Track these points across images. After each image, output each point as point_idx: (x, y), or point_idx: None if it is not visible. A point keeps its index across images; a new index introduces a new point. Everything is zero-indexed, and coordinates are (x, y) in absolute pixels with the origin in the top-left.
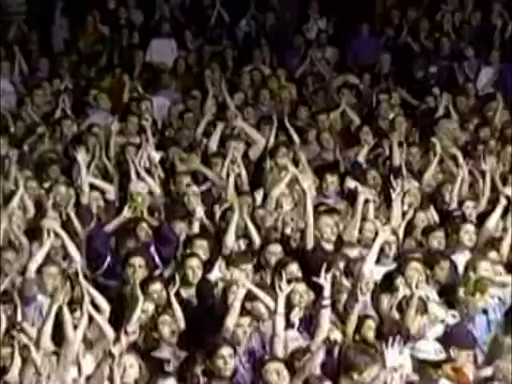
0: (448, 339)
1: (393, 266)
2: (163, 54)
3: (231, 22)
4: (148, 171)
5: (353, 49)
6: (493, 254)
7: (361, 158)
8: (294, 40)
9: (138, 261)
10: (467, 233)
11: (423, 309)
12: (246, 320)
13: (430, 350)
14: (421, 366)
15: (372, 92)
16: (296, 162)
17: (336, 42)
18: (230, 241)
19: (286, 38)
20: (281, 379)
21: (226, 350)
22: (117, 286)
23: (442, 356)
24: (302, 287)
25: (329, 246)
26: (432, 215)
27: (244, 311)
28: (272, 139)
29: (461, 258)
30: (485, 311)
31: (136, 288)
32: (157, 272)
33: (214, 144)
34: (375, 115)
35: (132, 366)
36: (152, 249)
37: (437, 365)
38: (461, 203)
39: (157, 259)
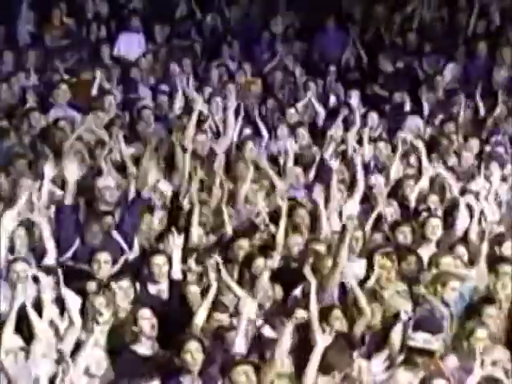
0: (417, 327)
1: (361, 261)
2: (131, 48)
3: (200, 16)
4: (118, 166)
5: (320, 43)
6: (460, 249)
7: (326, 155)
8: (262, 35)
9: (103, 256)
10: (433, 227)
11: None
12: (224, 316)
13: (419, 338)
14: (408, 353)
15: (340, 86)
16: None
17: (303, 36)
18: (195, 235)
19: (253, 33)
20: (249, 381)
21: (192, 345)
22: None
23: (432, 346)
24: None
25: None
26: (395, 210)
27: (222, 307)
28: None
29: (426, 253)
30: (447, 305)
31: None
32: (122, 259)
33: (188, 138)
34: (343, 110)
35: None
36: (115, 233)
37: (423, 353)
38: (426, 198)
39: (122, 244)
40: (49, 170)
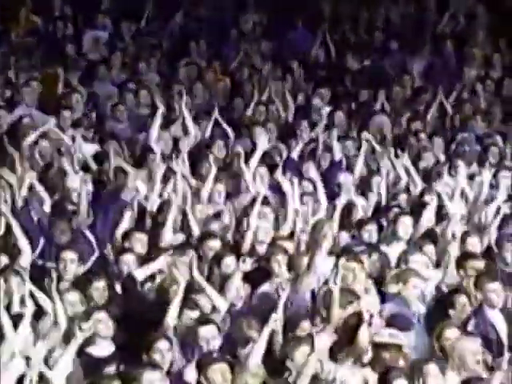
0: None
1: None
2: (98, 46)
3: (168, 14)
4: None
5: (288, 41)
6: (429, 247)
7: (294, 154)
8: (230, 33)
9: (69, 255)
10: (403, 225)
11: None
12: (195, 313)
13: (385, 333)
14: (375, 350)
15: (308, 85)
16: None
17: (271, 34)
18: (168, 234)
19: (222, 31)
20: (224, 380)
21: (163, 344)
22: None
23: (398, 341)
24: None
25: (261, 248)
26: (364, 207)
27: (193, 304)
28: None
29: (395, 250)
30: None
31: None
32: (93, 257)
33: (152, 137)
34: (311, 108)
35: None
36: (88, 232)
37: (390, 348)
38: (395, 195)
39: (93, 242)
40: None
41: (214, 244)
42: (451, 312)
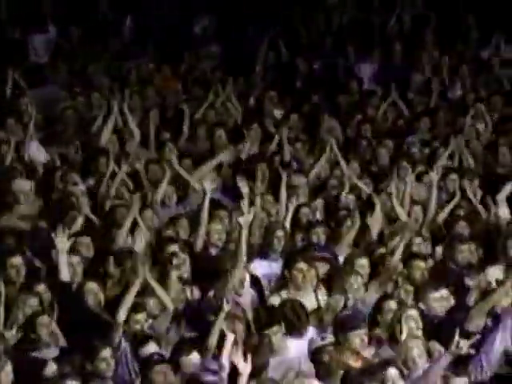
0: (334, 326)
1: (279, 262)
2: (47, 50)
3: (118, 18)
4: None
5: (238, 44)
6: (379, 250)
7: (243, 155)
8: (180, 35)
9: (16, 261)
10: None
11: None
12: (142, 316)
13: (317, 339)
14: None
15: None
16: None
17: (221, 37)
18: (121, 238)
19: (172, 34)
20: (166, 381)
21: (107, 352)
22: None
23: (325, 342)
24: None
25: (214, 251)
26: (318, 210)
27: (140, 308)
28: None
29: (343, 253)
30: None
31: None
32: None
33: (104, 138)
34: (263, 112)
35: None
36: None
37: (322, 350)
38: (345, 197)
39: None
40: None
41: (173, 248)
42: (379, 317)
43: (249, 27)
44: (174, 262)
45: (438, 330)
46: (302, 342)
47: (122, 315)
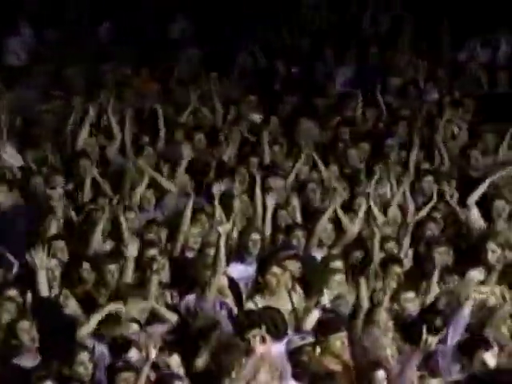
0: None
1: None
2: (22, 53)
3: (95, 20)
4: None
5: (216, 48)
6: (355, 254)
7: (225, 158)
8: (159, 39)
9: None
10: (325, 231)
11: None
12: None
13: (295, 339)
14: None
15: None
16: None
17: (199, 41)
18: (96, 242)
19: (150, 38)
20: None
21: (85, 356)
22: None
23: (306, 341)
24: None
25: (190, 255)
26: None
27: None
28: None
29: (318, 255)
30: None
31: None
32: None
33: (80, 143)
34: (241, 115)
35: None
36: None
37: (301, 350)
38: (323, 201)
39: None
40: None
41: (153, 252)
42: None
43: (226, 28)
44: (154, 266)
45: (410, 329)
46: (280, 346)
47: (89, 328)
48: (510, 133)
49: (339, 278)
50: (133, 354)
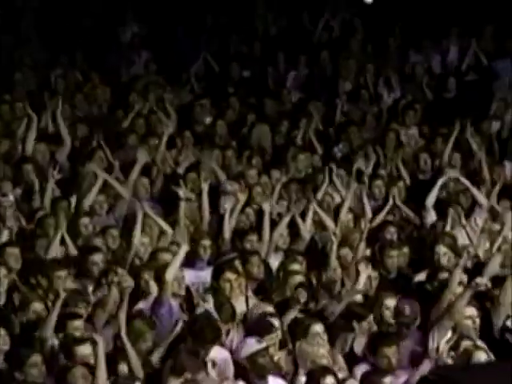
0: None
1: (206, 270)
2: None
3: (49, 24)
4: None
5: (168, 51)
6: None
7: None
8: (111, 43)
9: None
10: (281, 236)
11: None
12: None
13: (252, 342)
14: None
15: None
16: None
17: (151, 44)
18: (54, 248)
19: (102, 41)
20: (86, 382)
21: (37, 357)
22: None
23: (262, 345)
24: None
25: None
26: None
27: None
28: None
29: (274, 260)
30: None
31: None
32: None
33: (29, 148)
34: (193, 120)
35: None
36: None
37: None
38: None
39: None
40: None
41: (97, 258)
42: None
43: (179, 33)
44: (115, 279)
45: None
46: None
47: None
48: (454, 136)
49: (298, 280)
50: (86, 350)
